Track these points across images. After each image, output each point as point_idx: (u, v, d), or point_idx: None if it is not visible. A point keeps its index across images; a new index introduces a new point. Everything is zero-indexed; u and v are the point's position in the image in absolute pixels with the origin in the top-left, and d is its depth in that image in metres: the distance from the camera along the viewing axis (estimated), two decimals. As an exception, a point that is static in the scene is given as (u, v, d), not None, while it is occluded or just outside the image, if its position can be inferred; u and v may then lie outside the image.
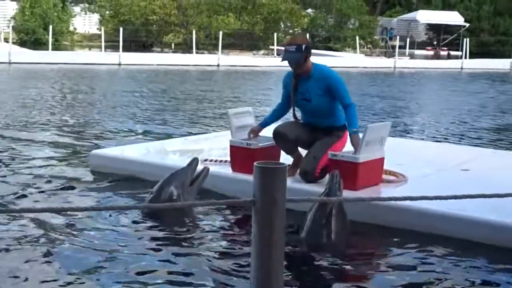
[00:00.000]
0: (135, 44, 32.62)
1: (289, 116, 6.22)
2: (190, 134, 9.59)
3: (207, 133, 9.52)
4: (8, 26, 30.56)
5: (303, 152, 5.98)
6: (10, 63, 24.30)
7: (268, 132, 6.09)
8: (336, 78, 5.80)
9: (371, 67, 29.94)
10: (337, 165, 5.45)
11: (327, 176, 5.73)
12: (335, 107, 5.84)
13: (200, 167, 5.73)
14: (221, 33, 29.69)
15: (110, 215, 5.26)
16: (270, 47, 33.94)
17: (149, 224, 5.14)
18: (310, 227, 4.76)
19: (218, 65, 27.68)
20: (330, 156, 5.58)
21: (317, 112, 5.86)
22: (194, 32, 31.11)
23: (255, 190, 2.44)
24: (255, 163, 2.47)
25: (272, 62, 26.47)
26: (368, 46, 40.34)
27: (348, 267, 4.48)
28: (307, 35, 31.56)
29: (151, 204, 5.19)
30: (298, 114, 6.11)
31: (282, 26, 38.86)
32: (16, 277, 4.09)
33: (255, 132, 6.08)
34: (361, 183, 5.47)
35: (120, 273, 4.20)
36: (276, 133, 5.87)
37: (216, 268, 4.29)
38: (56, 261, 4.37)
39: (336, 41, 39.26)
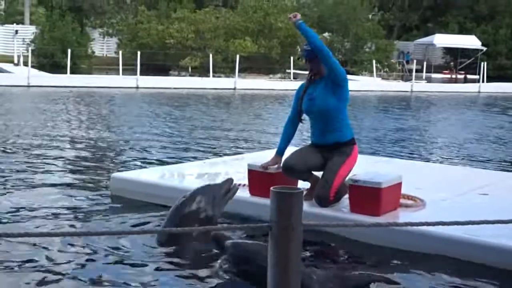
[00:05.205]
0: (153, 67, 32.87)
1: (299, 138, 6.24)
2: (207, 157, 9.62)
3: (224, 156, 9.55)
4: (28, 50, 30.91)
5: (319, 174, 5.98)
6: (29, 86, 24.54)
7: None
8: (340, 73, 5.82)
9: (388, 91, 29.93)
10: (359, 191, 5.44)
11: (344, 199, 5.76)
12: (338, 116, 5.82)
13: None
14: (238, 56, 29.84)
15: (127, 239, 5.27)
16: (287, 70, 34.05)
17: (164, 247, 5.11)
18: None
19: (234, 89, 27.79)
20: (351, 182, 5.56)
21: (321, 114, 5.81)
22: (211, 55, 31.30)
23: (272, 215, 2.46)
24: (271, 188, 2.49)
25: (289, 86, 26.55)
26: (385, 69, 40.36)
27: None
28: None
29: (167, 229, 5.16)
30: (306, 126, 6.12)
31: (299, 50, 39.01)
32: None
33: (275, 163, 6.02)
34: (383, 209, 5.46)
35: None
36: (285, 167, 5.85)
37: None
38: (73, 284, 4.40)
39: (353, 64, 39.33)
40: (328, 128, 5.86)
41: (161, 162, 9.30)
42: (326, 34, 42.45)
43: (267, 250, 4.29)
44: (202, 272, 4.52)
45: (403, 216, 5.60)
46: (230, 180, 5.52)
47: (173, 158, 9.85)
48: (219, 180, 6.72)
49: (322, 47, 5.68)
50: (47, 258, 4.86)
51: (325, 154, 5.87)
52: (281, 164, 5.90)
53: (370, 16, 45.70)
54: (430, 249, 5.05)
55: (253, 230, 5.26)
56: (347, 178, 5.75)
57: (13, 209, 6.30)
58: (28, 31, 39.27)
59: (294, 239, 2.54)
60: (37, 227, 5.67)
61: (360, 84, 29.78)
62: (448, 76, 43.27)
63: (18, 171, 8.35)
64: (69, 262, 4.80)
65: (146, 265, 4.75)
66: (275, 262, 2.48)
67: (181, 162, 8.93)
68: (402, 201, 5.86)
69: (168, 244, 5.02)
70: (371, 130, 14.56)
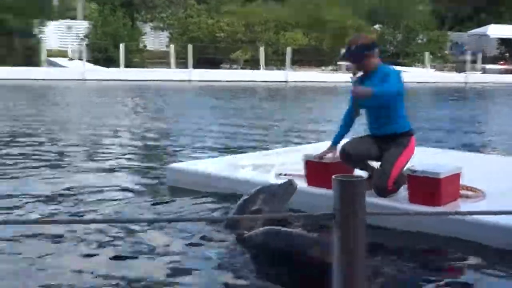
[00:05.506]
0: (204, 61, 33.07)
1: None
2: (260, 149, 9.64)
3: (278, 148, 9.55)
4: (81, 45, 31.42)
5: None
6: (84, 80, 24.96)
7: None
8: (394, 71, 5.75)
9: (442, 82, 29.52)
10: (417, 181, 5.39)
11: (402, 189, 5.71)
12: (395, 108, 5.76)
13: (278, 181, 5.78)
14: (288, 49, 29.79)
15: (180, 227, 5.32)
16: (338, 62, 33.87)
17: (222, 236, 5.15)
18: None
19: (286, 81, 27.78)
20: (409, 172, 5.51)
21: (376, 110, 5.80)
22: (261, 48, 31.33)
23: (335, 203, 2.44)
24: (333, 177, 2.47)
25: (340, 78, 26.41)
26: (438, 61, 39.77)
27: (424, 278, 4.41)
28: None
29: (235, 216, 5.21)
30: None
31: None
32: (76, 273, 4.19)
33: (330, 153, 6.01)
34: (444, 199, 5.39)
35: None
36: (342, 153, 5.85)
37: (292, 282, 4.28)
38: (117, 269, 4.48)
39: (405, 56, 38.87)
40: (384, 120, 5.82)
41: (215, 153, 9.36)
42: (376, 26, 42.04)
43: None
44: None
45: (464, 207, 5.51)
46: (290, 181, 5.60)
47: (227, 149, 9.90)
48: (273, 170, 6.77)
49: (389, 93, 5.61)
50: (106, 242, 4.96)
51: (382, 145, 5.83)
52: (338, 152, 5.89)
53: (421, 7, 45.04)
54: (489, 240, 4.97)
55: (316, 218, 5.26)
56: (405, 169, 5.70)
57: (69, 194, 6.51)
58: (82, 26, 39.89)
59: (358, 227, 2.52)
60: (93, 211, 5.82)
61: (413, 75, 29.42)
62: (504, 67, 42.41)
63: (75, 160, 8.57)
64: (128, 247, 4.87)
65: (206, 253, 4.79)
66: (339, 251, 2.47)
67: (235, 153, 8.97)
68: (462, 192, 5.78)
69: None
70: (425, 122, 14.37)
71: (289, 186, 5.57)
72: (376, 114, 5.88)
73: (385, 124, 5.84)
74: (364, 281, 2.59)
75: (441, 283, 4.34)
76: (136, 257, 4.72)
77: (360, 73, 5.89)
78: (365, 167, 5.94)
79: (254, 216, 5.08)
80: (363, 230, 2.57)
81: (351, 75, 5.95)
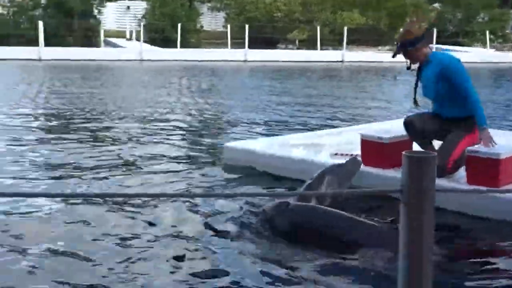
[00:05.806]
0: (260, 41, 33.04)
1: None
2: (315, 129, 9.61)
3: (332, 128, 9.51)
4: (139, 26, 31.75)
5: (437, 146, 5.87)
6: (141, 60, 25.25)
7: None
8: (451, 65, 5.67)
9: (503, 62, 28.83)
10: (477, 161, 5.31)
11: (460, 170, 5.62)
12: (456, 95, 5.69)
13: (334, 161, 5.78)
14: (345, 28, 29.52)
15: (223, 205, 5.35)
16: (395, 42, 33.38)
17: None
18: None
19: (342, 61, 27.56)
20: (468, 152, 5.43)
21: (437, 99, 5.79)
22: (318, 28, 31.12)
23: (403, 179, 2.41)
24: (403, 152, 2.45)
25: (397, 58, 26.03)
26: (499, 40, 38.79)
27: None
28: (434, 29, 30.68)
29: (303, 192, 5.24)
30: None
31: (408, 21, 38.04)
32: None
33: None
34: (502, 181, 5.30)
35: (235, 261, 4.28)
36: (405, 122, 5.87)
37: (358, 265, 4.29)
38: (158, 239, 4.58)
39: (465, 36, 38.06)
40: (445, 104, 5.77)
41: (271, 133, 9.37)
42: (436, 5, 41.27)
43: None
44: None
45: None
46: (354, 159, 5.63)
47: (282, 129, 9.91)
48: (328, 150, 6.76)
49: (477, 104, 5.67)
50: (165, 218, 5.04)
51: (447, 127, 5.77)
52: (403, 120, 5.93)
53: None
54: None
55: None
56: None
57: (121, 168, 6.71)
58: (140, 7, 40.30)
59: (427, 203, 2.47)
60: (142, 185, 5.93)
61: (472, 55, 28.83)
62: None
63: (132, 136, 8.76)
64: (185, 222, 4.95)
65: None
66: (407, 227, 2.44)
67: (290, 133, 8.96)
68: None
69: None
70: (484, 103, 14.08)
71: (353, 164, 5.57)
72: (439, 102, 5.83)
73: (447, 106, 5.78)
74: (431, 261, 2.56)
75: (493, 266, 4.30)
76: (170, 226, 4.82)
77: (415, 65, 5.90)
78: (425, 144, 5.89)
79: (321, 193, 5.14)
80: (432, 208, 2.53)
81: (407, 62, 5.93)
